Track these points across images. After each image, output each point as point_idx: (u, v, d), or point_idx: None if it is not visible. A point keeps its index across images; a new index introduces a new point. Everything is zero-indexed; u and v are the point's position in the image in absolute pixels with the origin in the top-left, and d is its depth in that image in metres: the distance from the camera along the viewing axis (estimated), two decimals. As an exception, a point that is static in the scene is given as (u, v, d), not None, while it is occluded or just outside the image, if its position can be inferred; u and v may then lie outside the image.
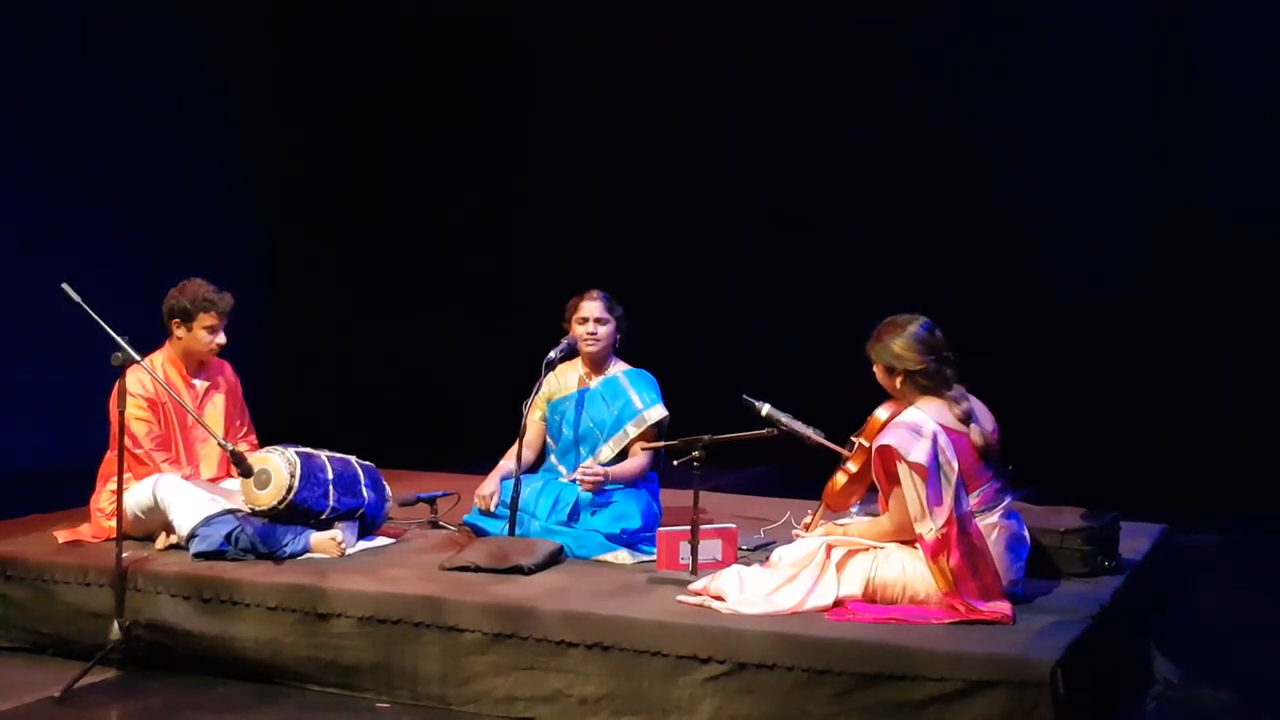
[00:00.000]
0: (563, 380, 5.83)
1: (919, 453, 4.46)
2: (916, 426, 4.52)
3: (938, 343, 4.65)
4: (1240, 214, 8.50)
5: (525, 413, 5.71)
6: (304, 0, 10.52)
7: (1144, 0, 8.75)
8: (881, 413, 4.77)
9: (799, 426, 5.12)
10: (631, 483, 5.59)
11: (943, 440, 4.50)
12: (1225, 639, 5.46)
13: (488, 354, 9.89)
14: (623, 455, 5.66)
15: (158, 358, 5.71)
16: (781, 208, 9.71)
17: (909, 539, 4.56)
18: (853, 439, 4.88)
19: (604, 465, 5.58)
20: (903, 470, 4.49)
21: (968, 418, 4.60)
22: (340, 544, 5.36)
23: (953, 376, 4.65)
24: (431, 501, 6.10)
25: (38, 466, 8.19)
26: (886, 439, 4.55)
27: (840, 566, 4.62)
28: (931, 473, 4.46)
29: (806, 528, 4.92)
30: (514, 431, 5.69)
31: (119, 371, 5.05)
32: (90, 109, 9.22)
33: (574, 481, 5.60)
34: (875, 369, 4.75)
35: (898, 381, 4.68)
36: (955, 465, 4.49)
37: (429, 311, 10.51)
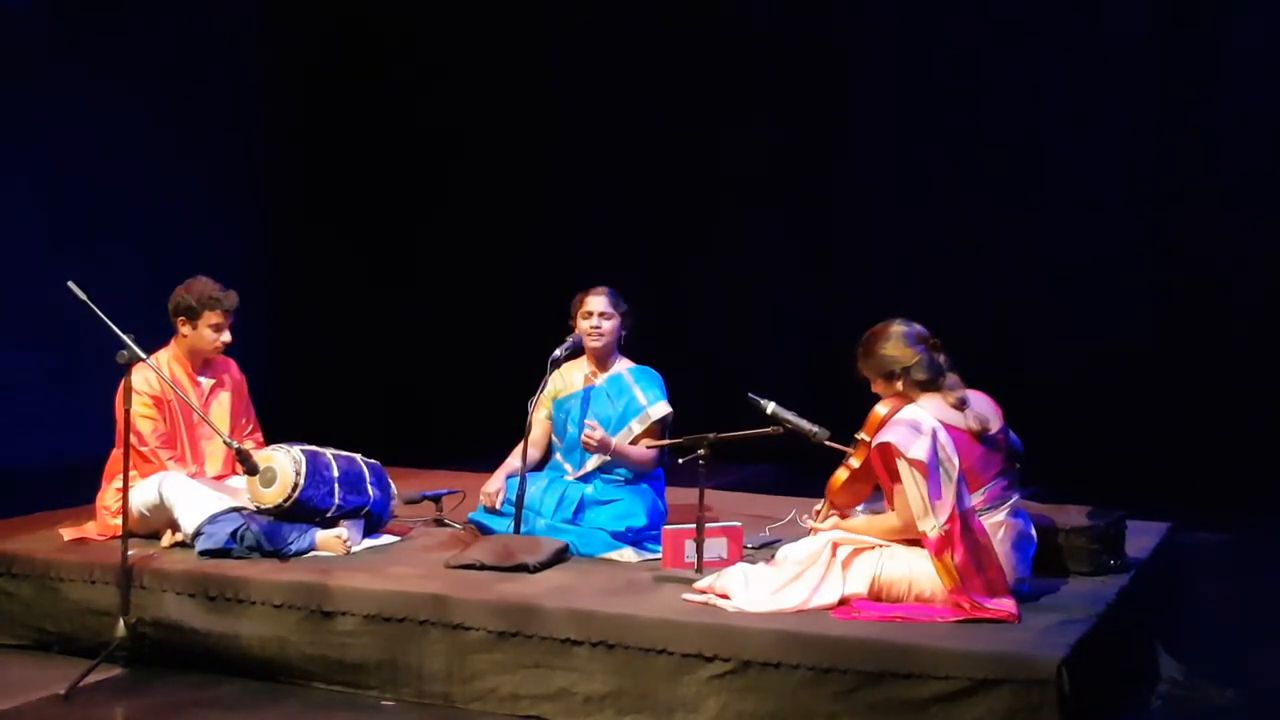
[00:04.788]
0: (568, 378, 5.83)
1: (918, 449, 4.46)
2: (916, 423, 4.52)
3: (922, 333, 4.69)
4: (1245, 215, 8.50)
5: (531, 411, 5.71)
6: (316, 4, 10.56)
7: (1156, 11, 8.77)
8: (882, 408, 4.75)
9: (804, 425, 5.11)
10: (636, 479, 5.60)
11: (943, 437, 4.50)
12: (1231, 638, 5.46)
13: (494, 351, 9.90)
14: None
15: (163, 355, 5.71)
16: (784, 207, 9.71)
17: (913, 536, 4.56)
18: (857, 436, 4.88)
19: (609, 462, 5.61)
20: (903, 467, 4.49)
21: (962, 404, 4.60)
22: (345, 542, 5.36)
23: (946, 364, 4.66)
24: (437, 499, 6.09)
25: (43, 464, 8.20)
26: (886, 436, 4.55)
27: (846, 565, 4.62)
28: (931, 469, 4.46)
29: (816, 515, 4.92)
30: (520, 429, 5.69)
31: (125, 369, 5.06)
32: (93, 109, 9.23)
33: (580, 479, 5.62)
34: (874, 384, 4.76)
35: (899, 385, 4.68)
36: (956, 462, 4.49)
37: (435, 309, 10.51)
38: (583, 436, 5.45)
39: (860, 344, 4.76)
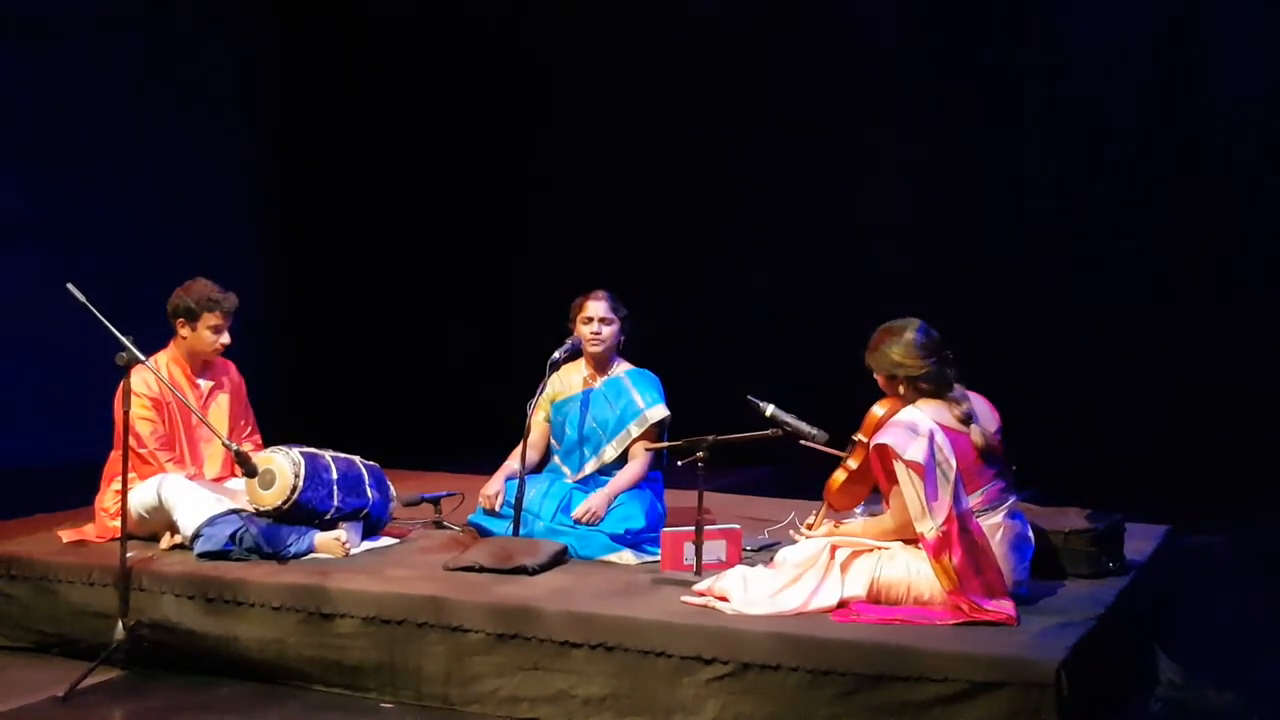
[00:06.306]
0: (567, 381, 5.83)
1: (915, 451, 4.46)
2: (913, 425, 4.52)
3: (936, 345, 4.64)
4: (1245, 214, 8.50)
5: (530, 413, 5.71)
6: (317, 6, 10.57)
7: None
8: (879, 409, 4.74)
9: (802, 427, 5.11)
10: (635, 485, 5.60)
11: (940, 438, 4.49)
12: (1229, 640, 5.45)
13: (493, 354, 9.90)
14: (625, 455, 5.67)
15: (162, 357, 5.71)
16: (784, 208, 9.70)
17: (911, 538, 4.56)
18: (854, 437, 4.87)
19: (608, 465, 5.64)
20: (900, 469, 4.49)
21: (968, 419, 4.59)
22: (344, 544, 5.36)
23: (953, 376, 4.64)
24: (436, 502, 6.10)
25: (42, 466, 8.19)
26: (883, 438, 4.54)
27: (845, 567, 4.61)
28: (929, 471, 4.45)
29: (809, 528, 4.92)
30: (519, 432, 5.69)
31: (124, 371, 5.06)
32: (93, 105, 9.22)
33: (578, 483, 5.62)
34: (877, 377, 4.75)
35: (900, 388, 4.67)
36: (953, 463, 4.48)
37: (434, 311, 10.51)
38: (580, 521, 5.42)
39: (872, 336, 4.73)
